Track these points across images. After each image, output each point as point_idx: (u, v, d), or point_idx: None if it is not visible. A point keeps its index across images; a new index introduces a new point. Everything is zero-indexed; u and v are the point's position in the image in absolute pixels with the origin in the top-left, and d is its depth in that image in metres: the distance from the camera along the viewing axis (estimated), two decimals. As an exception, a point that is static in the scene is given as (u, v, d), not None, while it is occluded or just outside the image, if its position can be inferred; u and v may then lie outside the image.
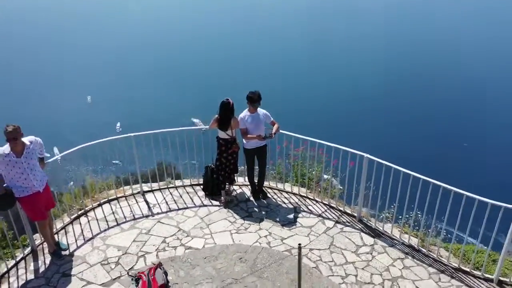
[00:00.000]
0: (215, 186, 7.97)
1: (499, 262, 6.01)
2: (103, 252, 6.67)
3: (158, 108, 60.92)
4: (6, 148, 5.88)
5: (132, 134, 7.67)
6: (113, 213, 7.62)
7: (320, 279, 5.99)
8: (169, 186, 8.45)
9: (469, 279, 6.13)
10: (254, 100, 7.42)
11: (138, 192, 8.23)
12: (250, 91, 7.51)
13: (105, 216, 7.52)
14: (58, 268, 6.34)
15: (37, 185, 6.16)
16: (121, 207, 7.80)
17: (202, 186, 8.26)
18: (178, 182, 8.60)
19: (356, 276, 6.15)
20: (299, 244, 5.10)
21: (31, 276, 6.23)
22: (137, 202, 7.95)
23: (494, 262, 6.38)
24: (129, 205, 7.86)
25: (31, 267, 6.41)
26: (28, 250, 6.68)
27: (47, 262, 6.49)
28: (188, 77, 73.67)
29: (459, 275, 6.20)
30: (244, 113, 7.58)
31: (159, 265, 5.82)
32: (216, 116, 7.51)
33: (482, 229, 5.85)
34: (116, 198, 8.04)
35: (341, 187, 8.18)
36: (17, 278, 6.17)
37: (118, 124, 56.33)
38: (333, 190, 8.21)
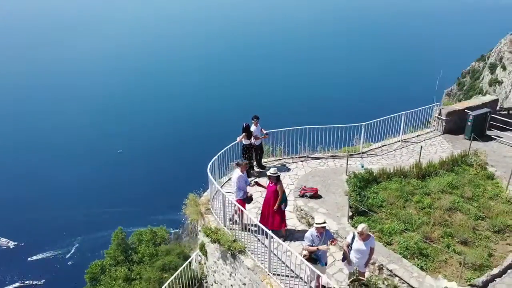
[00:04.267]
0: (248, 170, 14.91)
1: (360, 145, 16.63)
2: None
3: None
4: (239, 172, 11.55)
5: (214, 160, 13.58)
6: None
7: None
8: (224, 182, 14.53)
9: (354, 157, 16.46)
10: (257, 119, 14.87)
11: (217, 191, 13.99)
12: (254, 115, 14.86)
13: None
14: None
15: None
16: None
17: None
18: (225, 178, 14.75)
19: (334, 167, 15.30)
20: (348, 152, 13.97)
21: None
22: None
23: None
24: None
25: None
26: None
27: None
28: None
29: (351, 156, 16.44)
30: (253, 127, 14.87)
31: (304, 187, 13.05)
32: (243, 134, 14.49)
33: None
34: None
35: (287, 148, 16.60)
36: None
37: None
38: (280, 153, 16.61)
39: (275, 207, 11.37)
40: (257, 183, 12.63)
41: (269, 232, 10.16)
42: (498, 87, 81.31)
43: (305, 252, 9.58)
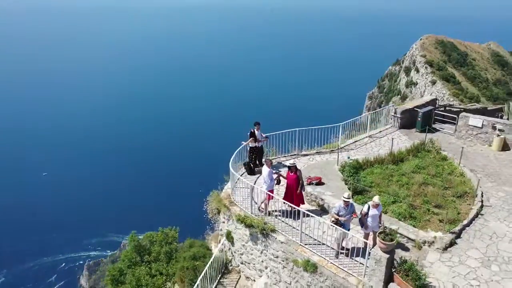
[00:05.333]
0: (252, 168, 17.60)
1: (339, 142, 20.06)
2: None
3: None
4: (267, 168, 14.23)
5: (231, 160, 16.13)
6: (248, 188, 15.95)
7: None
8: (237, 179, 17.08)
9: (335, 152, 19.85)
10: (258, 125, 17.65)
11: (236, 182, 16.45)
12: (256, 121, 17.61)
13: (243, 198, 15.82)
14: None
15: None
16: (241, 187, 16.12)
17: (247, 172, 17.50)
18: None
19: (322, 161, 18.50)
20: (338, 147, 17.20)
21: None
22: (244, 186, 16.40)
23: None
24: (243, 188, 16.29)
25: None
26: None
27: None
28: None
29: (333, 152, 19.81)
30: (256, 131, 17.62)
31: (310, 177, 16.00)
32: (251, 138, 17.21)
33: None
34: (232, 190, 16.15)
35: (280, 148, 19.52)
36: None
37: None
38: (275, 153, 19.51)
39: (298, 191, 14.25)
40: (278, 173, 15.21)
41: (302, 209, 13.04)
42: (414, 88, 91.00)
43: (333, 219, 12.57)
